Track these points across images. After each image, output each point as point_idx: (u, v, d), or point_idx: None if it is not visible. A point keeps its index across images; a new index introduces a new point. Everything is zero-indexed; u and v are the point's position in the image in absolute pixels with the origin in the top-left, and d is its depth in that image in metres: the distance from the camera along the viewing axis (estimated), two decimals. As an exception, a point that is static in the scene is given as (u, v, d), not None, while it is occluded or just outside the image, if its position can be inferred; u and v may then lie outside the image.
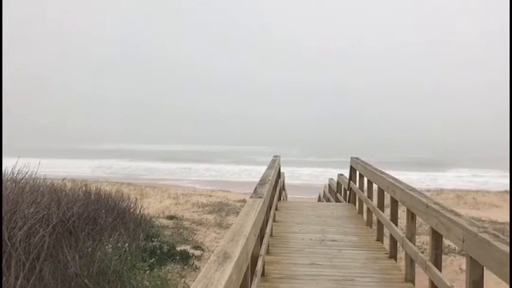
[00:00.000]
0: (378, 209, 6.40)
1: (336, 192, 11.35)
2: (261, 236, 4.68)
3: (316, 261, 5.63)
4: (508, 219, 13.21)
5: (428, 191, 19.31)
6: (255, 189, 5.01)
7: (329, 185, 13.78)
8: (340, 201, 10.53)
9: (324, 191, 15.76)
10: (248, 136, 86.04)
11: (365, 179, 7.85)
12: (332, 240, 6.65)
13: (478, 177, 38.97)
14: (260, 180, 5.84)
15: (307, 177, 39.54)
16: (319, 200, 17.94)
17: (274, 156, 9.41)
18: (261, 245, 4.56)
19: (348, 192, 9.37)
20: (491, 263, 2.33)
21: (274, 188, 7.55)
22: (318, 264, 5.54)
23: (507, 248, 2.25)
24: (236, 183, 32.21)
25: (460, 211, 11.67)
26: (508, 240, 2.36)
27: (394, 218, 5.55)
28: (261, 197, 4.38)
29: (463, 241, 2.80)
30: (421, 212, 3.95)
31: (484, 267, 2.57)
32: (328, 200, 13.86)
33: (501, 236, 2.39)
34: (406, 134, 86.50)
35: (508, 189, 20.90)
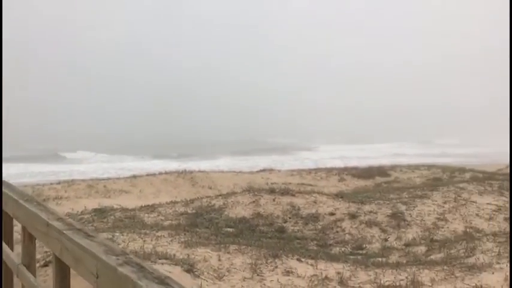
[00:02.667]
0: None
1: None
2: None
3: None
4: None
5: (59, 183, 18.19)
6: None
7: None
8: None
9: None
10: None
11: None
12: None
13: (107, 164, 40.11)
14: None
15: None
16: None
17: None
18: None
19: None
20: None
21: None
22: None
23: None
24: None
25: (92, 201, 10.92)
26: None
27: (8, 240, 4.18)
28: None
29: (97, 277, 1.99)
30: (40, 233, 2.91)
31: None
32: None
33: (148, 268, 1.70)
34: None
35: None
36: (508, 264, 5.54)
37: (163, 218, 9.60)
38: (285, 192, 10.71)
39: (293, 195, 10.54)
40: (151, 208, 10.51)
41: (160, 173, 20.76)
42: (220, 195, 12.01)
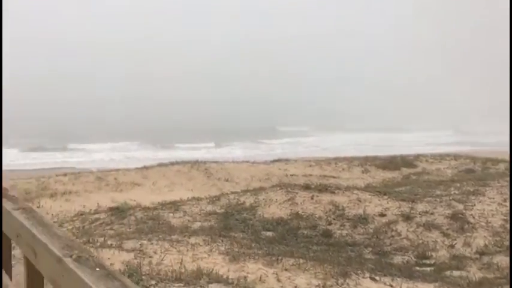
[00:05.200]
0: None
1: None
2: None
3: None
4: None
5: (65, 174, 17.15)
6: None
7: None
8: None
9: None
10: None
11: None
12: None
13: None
14: None
15: None
16: None
17: None
18: None
19: None
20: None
21: None
22: None
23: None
24: None
25: (104, 195, 9.85)
26: None
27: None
28: None
29: None
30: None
31: None
32: None
33: None
34: None
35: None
36: None
37: (190, 218, 8.52)
38: (323, 188, 9.61)
39: (333, 192, 9.45)
40: (174, 206, 9.41)
41: (172, 163, 19.74)
42: (247, 190, 10.93)
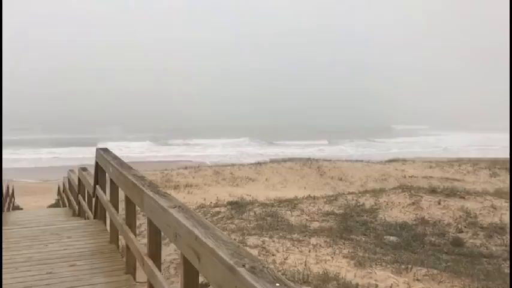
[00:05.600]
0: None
1: (78, 193, 8.20)
2: None
3: None
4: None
5: (185, 168, 18.12)
6: None
7: (69, 180, 10.62)
8: (82, 212, 7.57)
9: (64, 185, 12.49)
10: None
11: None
12: None
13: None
14: None
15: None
16: (59, 201, 14.48)
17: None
18: None
19: (94, 200, 6.38)
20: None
21: None
22: None
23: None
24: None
25: (221, 189, 10.12)
26: None
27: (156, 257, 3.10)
28: None
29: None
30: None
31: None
32: (68, 202, 10.79)
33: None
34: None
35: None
36: None
37: (308, 218, 8.40)
38: (451, 192, 8.90)
39: (462, 197, 8.70)
40: (291, 204, 9.37)
41: (284, 160, 19.87)
42: (366, 191, 10.53)
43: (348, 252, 6.05)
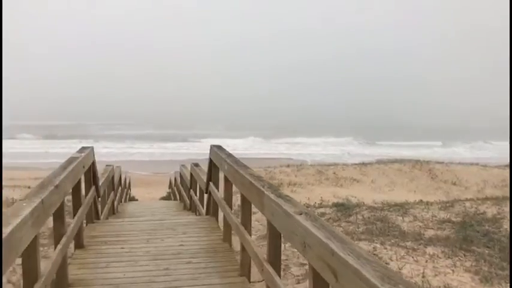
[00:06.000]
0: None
1: (190, 188, 8.48)
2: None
3: None
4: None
5: (288, 165, 18.14)
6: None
7: (181, 175, 11.10)
8: (193, 206, 7.79)
9: (176, 179, 13.11)
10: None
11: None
12: None
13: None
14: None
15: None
16: (170, 194, 15.26)
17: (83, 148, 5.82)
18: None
19: (205, 196, 6.49)
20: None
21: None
22: None
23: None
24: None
25: (325, 189, 9.81)
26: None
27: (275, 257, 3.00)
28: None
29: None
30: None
31: None
32: (179, 195, 11.29)
33: None
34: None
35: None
36: None
37: (421, 224, 7.86)
38: None
39: None
40: (402, 209, 8.85)
41: (391, 161, 19.05)
42: (487, 198, 9.64)
43: (471, 265, 5.51)
